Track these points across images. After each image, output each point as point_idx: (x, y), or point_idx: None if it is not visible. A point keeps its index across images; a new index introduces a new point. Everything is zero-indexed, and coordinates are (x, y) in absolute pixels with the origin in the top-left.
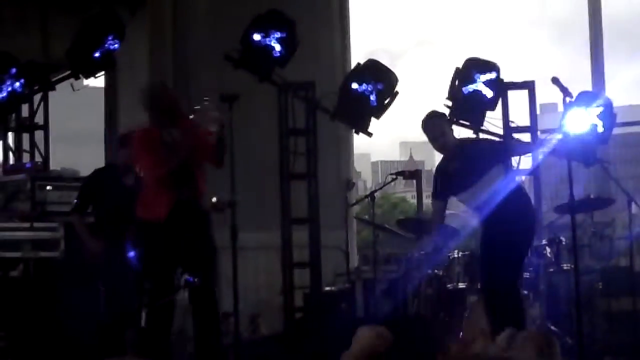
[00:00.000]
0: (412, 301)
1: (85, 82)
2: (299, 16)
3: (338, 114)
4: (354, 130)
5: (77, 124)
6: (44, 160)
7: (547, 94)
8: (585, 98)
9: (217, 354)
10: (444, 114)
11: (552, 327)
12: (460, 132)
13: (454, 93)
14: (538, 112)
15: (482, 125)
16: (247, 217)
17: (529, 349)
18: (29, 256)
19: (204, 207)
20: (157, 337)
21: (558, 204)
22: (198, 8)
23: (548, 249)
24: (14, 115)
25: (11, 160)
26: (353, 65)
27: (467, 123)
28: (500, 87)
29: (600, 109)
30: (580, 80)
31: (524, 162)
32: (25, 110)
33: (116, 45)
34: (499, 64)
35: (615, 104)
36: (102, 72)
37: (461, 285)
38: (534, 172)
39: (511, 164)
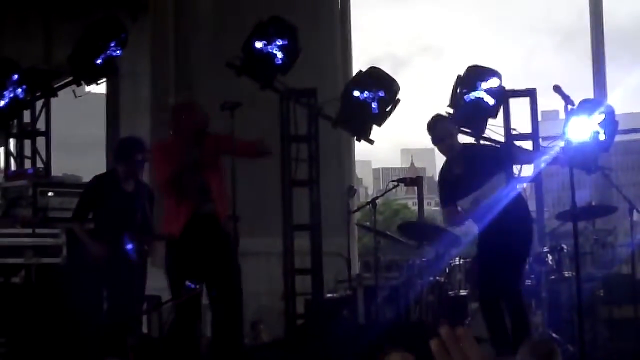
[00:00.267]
0: (413, 308)
1: (87, 88)
2: (301, 23)
3: (340, 121)
4: (355, 138)
5: (79, 130)
6: (45, 167)
7: (548, 101)
8: (587, 106)
9: None
10: (451, 117)
11: (554, 335)
12: (462, 139)
13: (456, 100)
14: (539, 119)
15: (484, 132)
16: (248, 223)
17: (531, 357)
18: (30, 262)
19: (224, 224)
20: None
21: (560, 212)
22: (200, 15)
23: (550, 257)
24: (15, 121)
25: (13, 167)
26: (355, 72)
27: (469, 130)
28: (502, 95)
29: (602, 116)
30: (582, 88)
31: (526, 169)
32: (27, 116)
33: (118, 52)
34: (501, 71)
35: (616, 112)
36: (104, 79)
37: (463, 292)
38: (536, 179)
39: (512, 171)
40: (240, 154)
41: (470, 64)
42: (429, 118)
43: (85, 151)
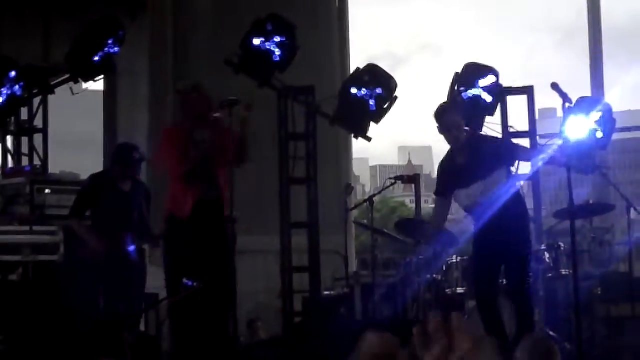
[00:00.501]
0: (410, 306)
1: (85, 85)
2: (299, 21)
3: (337, 118)
4: (352, 135)
5: (76, 128)
6: (42, 164)
7: (546, 99)
8: (585, 103)
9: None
10: (459, 107)
11: (551, 333)
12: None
13: (453, 97)
14: (537, 117)
15: (481, 130)
16: (246, 221)
17: (529, 355)
18: (28, 259)
19: (225, 209)
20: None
21: (557, 210)
22: (198, 13)
23: (547, 255)
24: (13, 118)
25: (10, 164)
26: (352, 69)
27: (466, 128)
28: (499, 92)
29: (600, 114)
30: (580, 86)
31: (523, 167)
32: (24, 113)
33: (116, 49)
34: (500, 68)
35: (614, 110)
36: (102, 76)
37: (460, 290)
38: (533, 177)
39: (511, 168)
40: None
41: (468, 61)
42: (435, 107)
43: (82, 148)
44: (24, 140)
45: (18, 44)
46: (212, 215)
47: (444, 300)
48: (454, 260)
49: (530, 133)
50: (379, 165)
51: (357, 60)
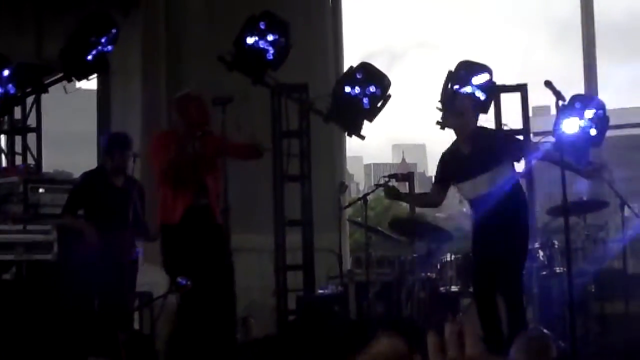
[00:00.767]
0: (405, 304)
1: (78, 84)
2: (292, 18)
3: (331, 116)
4: (346, 133)
5: (70, 127)
6: (36, 163)
7: (540, 96)
8: (578, 101)
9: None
10: (472, 95)
11: (545, 330)
12: (453, 135)
13: (447, 95)
14: (530, 114)
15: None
16: (240, 219)
17: (525, 352)
18: (21, 259)
19: (217, 217)
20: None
21: (551, 207)
22: (192, 10)
23: (541, 252)
24: (6, 117)
25: (4, 163)
26: (347, 66)
27: None
28: (493, 90)
29: (593, 112)
30: (574, 83)
31: (518, 164)
32: (17, 112)
33: (109, 48)
34: (497, 66)
35: (608, 107)
36: (95, 75)
37: (454, 289)
38: (528, 174)
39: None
40: (235, 156)
41: (464, 58)
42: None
43: (76, 147)
44: (18, 139)
45: (10, 41)
46: (203, 221)
47: (439, 299)
48: (449, 259)
49: (524, 131)
50: (373, 163)
51: (354, 57)
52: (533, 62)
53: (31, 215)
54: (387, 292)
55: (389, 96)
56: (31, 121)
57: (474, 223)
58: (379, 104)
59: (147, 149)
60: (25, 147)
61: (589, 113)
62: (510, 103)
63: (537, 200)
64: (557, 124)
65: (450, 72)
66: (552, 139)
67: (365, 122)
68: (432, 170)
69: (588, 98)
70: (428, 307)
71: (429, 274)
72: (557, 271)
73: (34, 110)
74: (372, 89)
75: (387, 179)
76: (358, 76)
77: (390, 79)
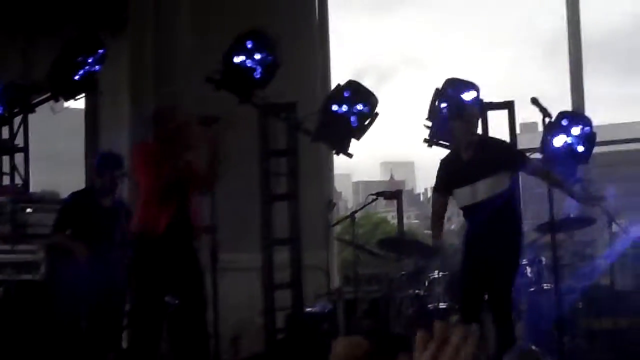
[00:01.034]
0: (393, 321)
1: (66, 104)
2: (280, 37)
3: (318, 135)
4: (334, 151)
5: (58, 146)
6: (24, 183)
7: (528, 113)
8: (565, 118)
9: None
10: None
11: (534, 347)
12: (440, 152)
13: (434, 113)
14: (519, 131)
15: None
16: (228, 238)
17: None
18: (10, 278)
19: (195, 231)
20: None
21: (539, 224)
22: (179, 30)
23: (529, 269)
24: None
25: None
26: (336, 84)
27: (447, 143)
28: (481, 107)
29: (580, 128)
30: (561, 100)
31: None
32: (5, 132)
33: (97, 68)
34: (485, 82)
35: (595, 123)
36: (83, 95)
37: (442, 305)
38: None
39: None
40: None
41: (451, 76)
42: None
43: (64, 167)
44: (5, 159)
45: None
46: (183, 236)
47: (427, 316)
48: (437, 276)
49: None
50: (362, 181)
51: (342, 75)
52: (521, 78)
53: (19, 235)
54: (375, 309)
55: (377, 114)
56: (19, 141)
57: (467, 231)
58: (366, 122)
59: (134, 160)
60: (12, 166)
61: (576, 130)
62: (497, 120)
63: (525, 217)
64: (544, 140)
65: (437, 90)
66: (539, 155)
67: (353, 140)
68: (420, 188)
69: (575, 115)
70: (416, 324)
71: (417, 290)
72: (545, 287)
73: (21, 130)
74: (359, 107)
75: (375, 197)
76: (346, 94)
77: (379, 96)
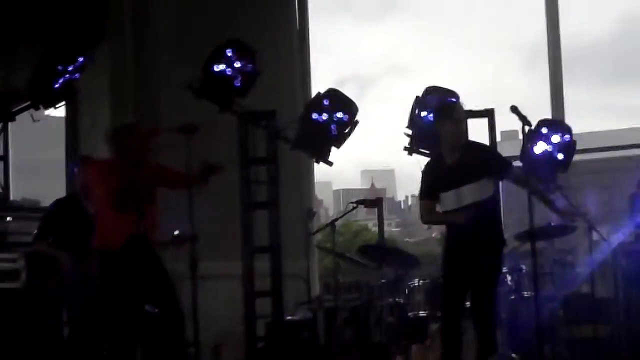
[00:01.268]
0: (373, 329)
1: (46, 112)
2: (259, 45)
3: (298, 143)
4: (314, 160)
5: (38, 155)
6: (4, 191)
7: (509, 121)
8: (545, 126)
9: None
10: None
11: (514, 355)
12: (420, 160)
13: (414, 121)
14: (499, 139)
15: None
16: (208, 246)
17: None
18: None
19: (156, 241)
20: None
21: (518, 232)
22: (159, 38)
23: (509, 277)
24: None
25: None
26: (316, 92)
27: (427, 151)
28: None
29: (560, 136)
30: (542, 108)
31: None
32: None
33: (77, 76)
34: (466, 90)
35: (576, 131)
36: (63, 103)
37: (422, 314)
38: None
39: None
40: (171, 186)
41: (432, 84)
42: (441, 103)
43: (44, 175)
44: None
45: None
46: (143, 248)
47: (407, 324)
48: (417, 284)
49: None
50: (342, 189)
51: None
52: (501, 86)
53: None
54: (355, 317)
55: (357, 122)
56: None
57: (448, 236)
58: (346, 130)
59: (86, 177)
60: None
61: (556, 138)
62: (478, 128)
63: (505, 225)
64: (524, 148)
65: (417, 98)
66: (519, 163)
67: (334, 148)
68: (401, 195)
69: (555, 123)
70: (396, 332)
71: (397, 299)
72: (525, 295)
73: (1, 138)
74: (339, 115)
75: (355, 205)
76: (325, 103)
77: (361, 104)
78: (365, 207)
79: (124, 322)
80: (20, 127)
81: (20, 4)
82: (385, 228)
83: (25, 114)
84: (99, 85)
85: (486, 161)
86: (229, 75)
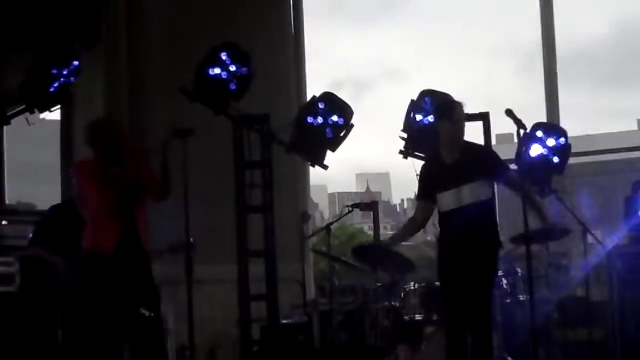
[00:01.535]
0: (369, 332)
1: (41, 115)
2: (254, 49)
3: (293, 146)
4: (309, 163)
5: (33, 158)
6: None
7: (504, 124)
8: (540, 129)
9: None
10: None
11: (509, 358)
12: (415, 163)
13: (409, 124)
14: (495, 142)
15: None
16: (203, 250)
17: None
18: None
19: (145, 244)
20: None
21: (514, 235)
22: (154, 42)
23: (504, 280)
24: None
25: None
26: (311, 96)
27: (422, 155)
28: None
29: (555, 139)
30: (537, 111)
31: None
32: None
33: (72, 79)
34: (462, 93)
35: (571, 134)
36: (58, 106)
37: (418, 317)
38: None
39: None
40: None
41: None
42: (444, 101)
43: (39, 179)
44: None
45: None
46: (134, 250)
47: (403, 327)
48: (412, 287)
49: None
50: (338, 192)
51: (320, 87)
52: (496, 90)
53: None
54: (351, 320)
55: (352, 125)
56: None
57: (442, 238)
58: (341, 134)
59: (77, 179)
60: None
61: (551, 141)
62: (473, 131)
63: (500, 228)
64: (519, 151)
65: (412, 101)
66: (514, 166)
67: (329, 152)
68: (396, 199)
69: (550, 126)
70: (391, 336)
71: (392, 302)
72: (520, 299)
73: None
74: (334, 118)
75: (350, 208)
76: (320, 106)
77: (357, 108)
78: (360, 210)
79: (111, 324)
80: (15, 130)
81: (14, 8)
82: (381, 231)
83: (21, 117)
84: (94, 89)
85: (484, 162)
86: (224, 78)
